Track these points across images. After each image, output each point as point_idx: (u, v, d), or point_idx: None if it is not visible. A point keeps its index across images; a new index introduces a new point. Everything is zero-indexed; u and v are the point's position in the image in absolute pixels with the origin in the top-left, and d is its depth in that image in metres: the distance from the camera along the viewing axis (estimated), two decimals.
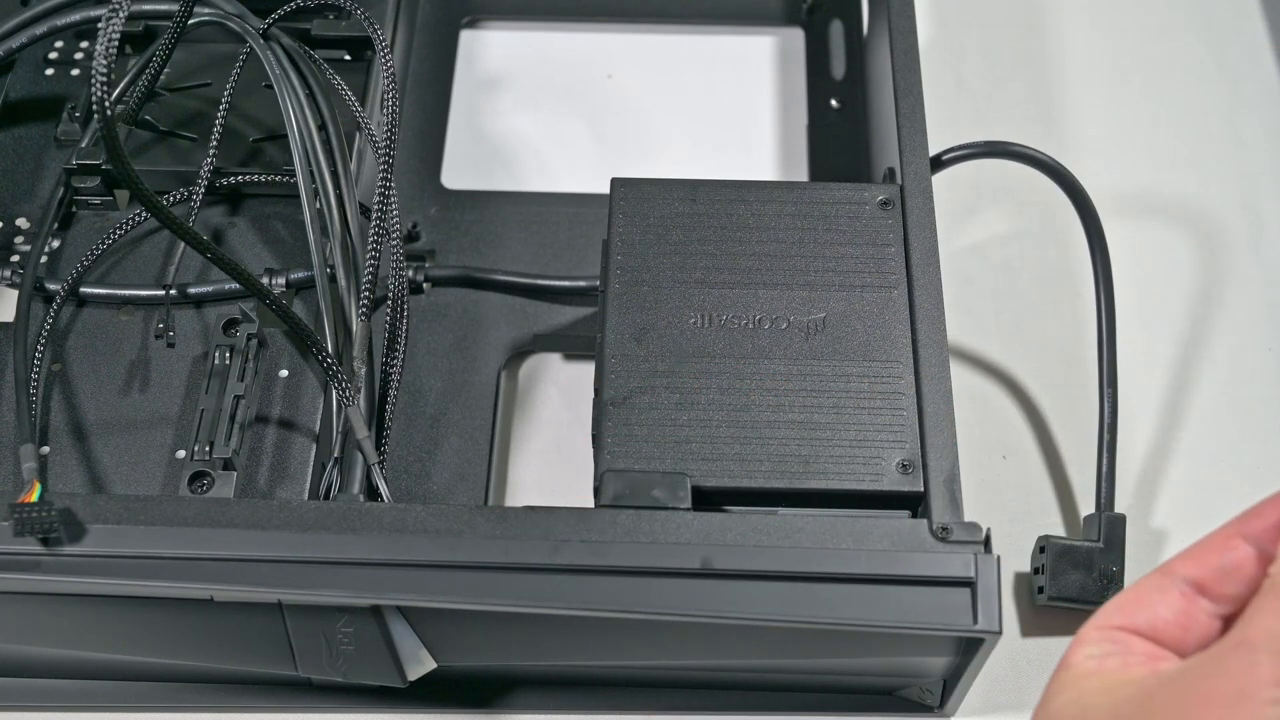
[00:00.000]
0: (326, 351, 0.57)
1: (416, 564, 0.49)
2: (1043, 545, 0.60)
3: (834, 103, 0.77)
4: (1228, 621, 0.39)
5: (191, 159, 0.65)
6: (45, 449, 0.58)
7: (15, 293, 0.61)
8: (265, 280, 0.62)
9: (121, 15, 0.48)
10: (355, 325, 0.58)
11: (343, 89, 0.64)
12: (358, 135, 0.65)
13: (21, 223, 0.66)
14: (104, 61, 0.47)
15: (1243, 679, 0.33)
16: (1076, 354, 0.69)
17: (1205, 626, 0.39)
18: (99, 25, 0.49)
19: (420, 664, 0.54)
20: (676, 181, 0.60)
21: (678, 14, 0.81)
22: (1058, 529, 0.64)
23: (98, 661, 0.56)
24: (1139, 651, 0.38)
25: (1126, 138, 0.77)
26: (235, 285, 0.61)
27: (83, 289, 0.62)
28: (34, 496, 0.49)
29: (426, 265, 0.68)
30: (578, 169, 0.75)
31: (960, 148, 0.64)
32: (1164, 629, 0.38)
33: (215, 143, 0.64)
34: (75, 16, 0.68)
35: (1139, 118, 0.78)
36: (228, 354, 0.59)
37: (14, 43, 0.67)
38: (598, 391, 0.56)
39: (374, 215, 0.60)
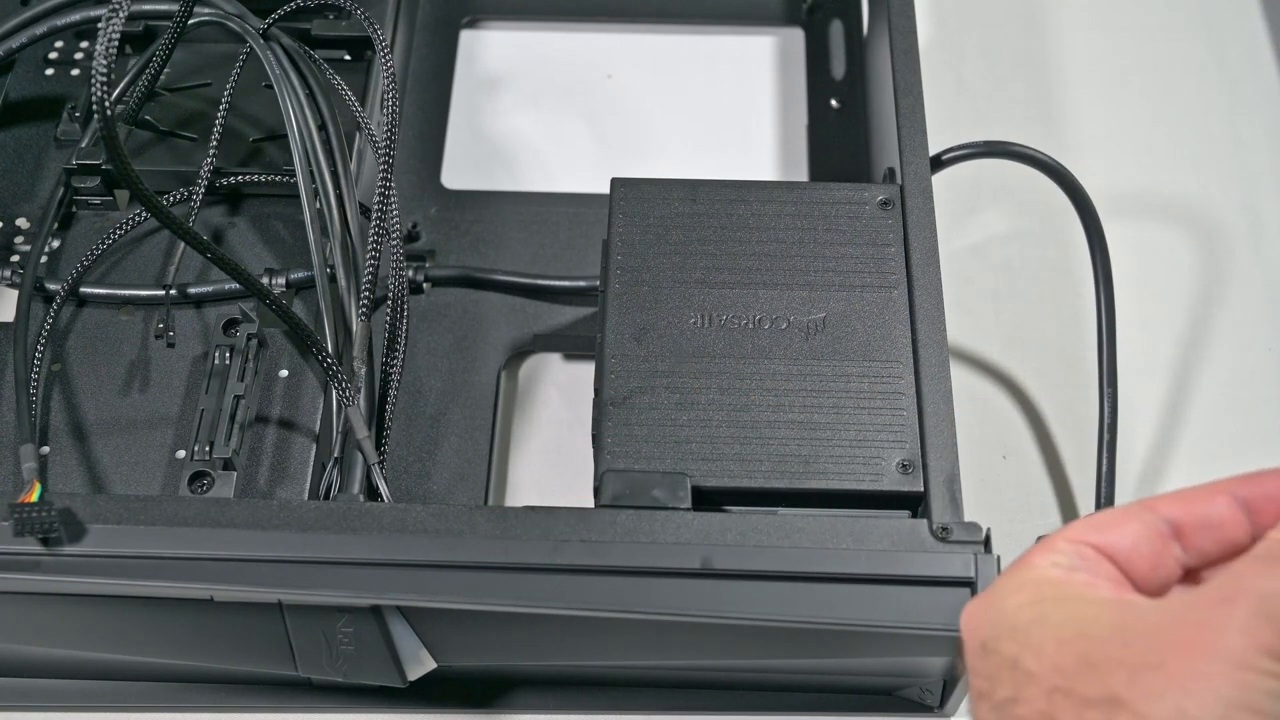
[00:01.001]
0: (326, 351, 0.57)
1: (416, 564, 0.49)
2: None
3: (834, 103, 0.77)
4: (1188, 574, 0.39)
5: (191, 159, 0.65)
6: (45, 449, 0.58)
7: (15, 293, 0.61)
8: (265, 280, 0.62)
9: (121, 15, 0.48)
10: (355, 325, 0.58)
11: (343, 89, 0.64)
12: (358, 135, 0.65)
13: (21, 223, 0.66)
14: (104, 61, 0.47)
15: (1229, 638, 0.33)
16: (1076, 354, 0.69)
17: (1170, 572, 0.38)
18: (99, 25, 0.49)
19: (420, 664, 0.54)
20: (676, 181, 0.60)
21: (678, 14, 0.81)
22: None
23: (98, 661, 0.56)
24: (1106, 575, 0.37)
25: (1126, 138, 0.77)
26: (235, 285, 0.61)
27: (83, 289, 0.62)
28: (34, 496, 0.49)
29: (426, 265, 0.68)
30: (578, 169, 0.75)
31: (960, 148, 0.64)
32: (1137, 561, 0.37)
33: (215, 143, 0.64)
34: (75, 16, 0.68)
35: (1139, 118, 0.78)
36: (228, 354, 0.59)
37: (14, 43, 0.67)
38: (598, 391, 0.56)
39: (374, 215, 0.60)
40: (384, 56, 0.61)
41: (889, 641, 0.52)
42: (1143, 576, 0.38)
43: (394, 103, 0.61)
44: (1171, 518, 0.38)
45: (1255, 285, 0.71)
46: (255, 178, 0.65)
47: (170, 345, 0.61)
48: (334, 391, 0.57)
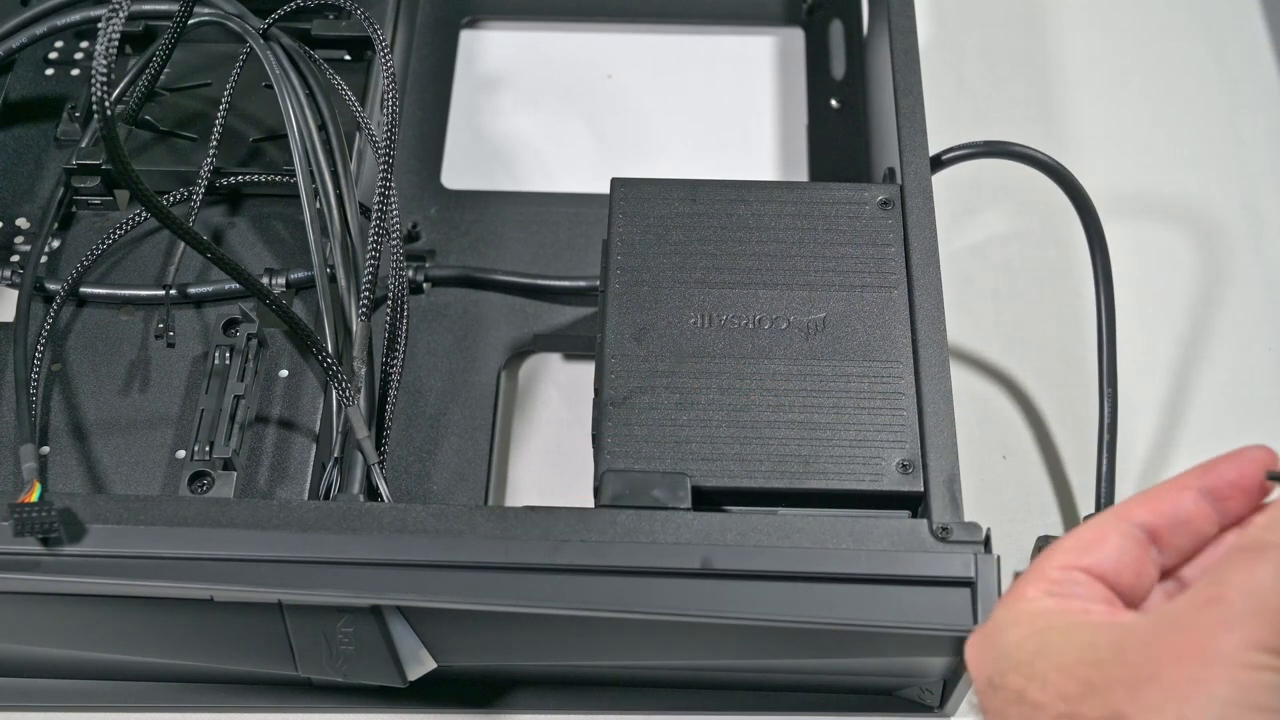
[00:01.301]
0: (326, 351, 0.57)
1: (416, 564, 0.49)
2: (1042, 545, 0.60)
3: (834, 103, 0.77)
4: (1164, 574, 0.39)
5: (191, 159, 0.65)
6: (45, 449, 0.58)
7: (15, 293, 0.61)
8: (265, 280, 0.62)
9: (121, 15, 0.48)
10: (355, 325, 0.58)
11: (343, 89, 0.64)
12: (358, 135, 0.65)
13: (21, 223, 0.66)
14: (104, 61, 0.47)
15: (1220, 639, 0.33)
16: (1076, 354, 0.69)
17: (1152, 576, 0.38)
18: (99, 25, 0.49)
19: (420, 664, 0.54)
20: (676, 181, 0.60)
21: (678, 14, 0.81)
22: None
23: (98, 661, 0.56)
24: (1098, 596, 0.38)
25: (1126, 138, 0.77)
26: (235, 285, 0.61)
27: (83, 289, 0.62)
28: (34, 496, 0.49)
29: (426, 265, 0.68)
30: (578, 169, 0.75)
31: (960, 148, 0.64)
32: (1123, 573, 0.38)
33: (215, 143, 0.64)
34: (75, 16, 0.68)
35: (1139, 118, 0.78)
36: (228, 354, 0.59)
37: (14, 43, 0.67)
38: (598, 391, 0.56)
39: (374, 215, 0.60)
40: (384, 56, 0.61)
41: (889, 641, 0.52)
42: (1130, 587, 0.38)
43: (394, 103, 0.61)
44: (1145, 523, 0.38)
45: (1255, 285, 0.71)
46: (255, 178, 0.65)
47: (170, 345, 0.61)
48: (334, 391, 0.57)
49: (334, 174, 0.61)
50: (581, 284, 0.68)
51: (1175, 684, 0.33)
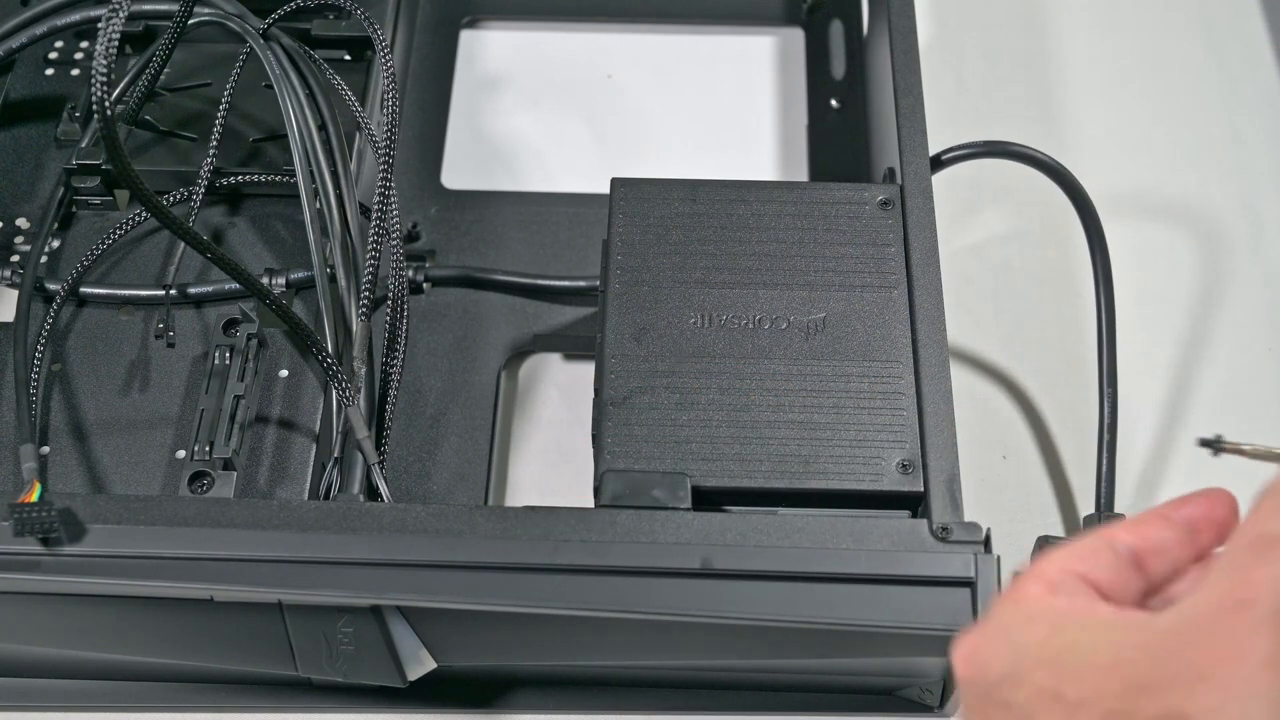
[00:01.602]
0: (326, 351, 0.57)
1: (416, 564, 0.49)
2: (1042, 545, 0.60)
3: (834, 103, 0.77)
4: (1142, 598, 0.39)
5: (191, 159, 0.65)
6: (45, 449, 0.58)
7: (15, 293, 0.61)
8: (265, 280, 0.62)
9: (121, 15, 0.48)
10: (355, 325, 0.58)
11: (343, 89, 0.64)
12: (358, 135, 0.65)
13: (21, 223, 0.66)
14: (104, 61, 0.47)
15: (1258, 641, 0.33)
16: (1076, 354, 0.69)
17: (1132, 600, 0.39)
18: (99, 25, 0.49)
19: (420, 664, 0.54)
20: (676, 181, 0.60)
21: (678, 14, 0.81)
22: (1058, 529, 0.64)
23: (98, 661, 0.56)
24: (1097, 599, 0.38)
25: (1126, 138, 0.77)
26: (235, 285, 0.61)
27: (83, 289, 0.62)
28: (34, 496, 0.49)
29: (426, 265, 0.68)
30: (578, 169, 0.75)
31: (960, 148, 0.64)
32: (1113, 589, 0.38)
33: (215, 143, 0.64)
34: (75, 16, 0.68)
35: (1139, 118, 0.78)
36: (228, 354, 0.59)
37: (14, 43, 0.67)
38: (598, 391, 0.56)
39: (374, 215, 0.60)
40: (384, 56, 0.61)
41: (889, 641, 0.52)
42: (1117, 604, 0.38)
43: (394, 103, 0.61)
44: (1132, 547, 0.39)
45: (1255, 285, 0.71)
46: (255, 178, 0.65)
47: (170, 345, 0.61)
48: (334, 391, 0.57)
49: (334, 174, 0.61)
50: (581, 284, 0.68)
51: (1227, 683, 0.33)
